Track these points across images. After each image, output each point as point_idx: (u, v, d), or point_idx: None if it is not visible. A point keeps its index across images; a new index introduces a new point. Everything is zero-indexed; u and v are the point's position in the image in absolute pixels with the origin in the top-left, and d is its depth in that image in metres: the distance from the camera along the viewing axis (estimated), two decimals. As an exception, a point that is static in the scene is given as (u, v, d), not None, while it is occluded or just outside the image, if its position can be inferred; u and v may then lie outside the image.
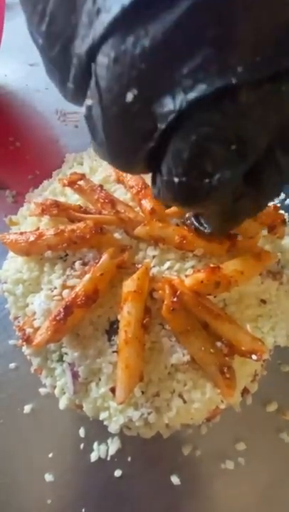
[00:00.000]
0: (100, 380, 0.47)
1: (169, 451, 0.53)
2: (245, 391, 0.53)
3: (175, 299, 0.45)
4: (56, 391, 0.49)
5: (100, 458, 0.51)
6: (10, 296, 0.54)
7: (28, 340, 0.50)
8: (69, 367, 0.48)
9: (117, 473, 0.51)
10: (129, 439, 0.49)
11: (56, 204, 0.55)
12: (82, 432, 0.53)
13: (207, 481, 0.52)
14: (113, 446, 0.51)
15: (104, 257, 0.49)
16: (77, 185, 0.58)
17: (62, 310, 0.46)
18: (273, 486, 0.51)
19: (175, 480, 0.51)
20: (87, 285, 0.47)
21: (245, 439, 0.53)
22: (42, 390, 0.55)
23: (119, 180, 0.63)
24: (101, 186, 0.58)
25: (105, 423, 0.47)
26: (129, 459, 0.52)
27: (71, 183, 0.58)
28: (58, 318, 0.45)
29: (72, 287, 0.49)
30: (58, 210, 0.55)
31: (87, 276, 0.47)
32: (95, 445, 0.52)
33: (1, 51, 0.96)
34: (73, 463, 0.52)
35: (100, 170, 0.66)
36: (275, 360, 0.59)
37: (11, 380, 0.58)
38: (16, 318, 0.54)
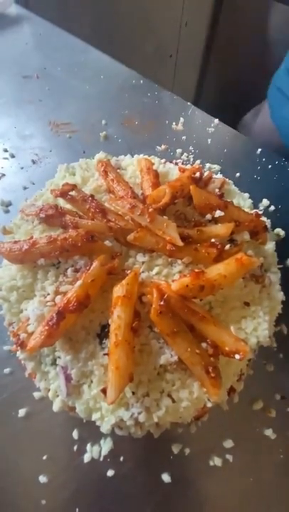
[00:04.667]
0: (91, 382, 0.49)
1: (160, 451, 0.55)
2: (231, 390, 0.55)
3: (162, 303, 0.47)
4: (50, 394, 0.51)
5: (92, 458, 0.53)
6: (4, 303, 0.56)
7: (22, 345, 0.51)
8: (62, 370, 0.50)
9: (110, 473, 0.52)
10: (121, 439, 0.51)
11: (55, 206, 0.58)
12: (75, 434, 0.55)
13: (196, 478, 0.54)
14: (106, 446, 0.53)
15: (95, 263, 0.51)
16: (69, 196, 0.60)
17: (55, 315, 0.48)
18: (260, 482, 0.54)
19: (166, 478, 0.52)
20: (79, 291, 0.49)
21: (232, 436, 0.56)
22: (36, 394, 0.56)
23: (109, 190, 0.65)
24: (92, 196, 0.61)
25: (97, 423, 0.48)
26: (121, 459, 0.54)
27: (63, 194, 0.60)
28: (50, 323, 0.47)
29: (64, 293, 0.51)
30: (55, 211, 0.57)
31: (79, 283, 0.50)
32: (88, 446, 0.54)
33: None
34: (67, 464, 0.54)
35: (92, 180, 0.68)
36: (260, 360, 0.62)
37: (5, 384, 0.59)
38: (10, 324, 0.56)
